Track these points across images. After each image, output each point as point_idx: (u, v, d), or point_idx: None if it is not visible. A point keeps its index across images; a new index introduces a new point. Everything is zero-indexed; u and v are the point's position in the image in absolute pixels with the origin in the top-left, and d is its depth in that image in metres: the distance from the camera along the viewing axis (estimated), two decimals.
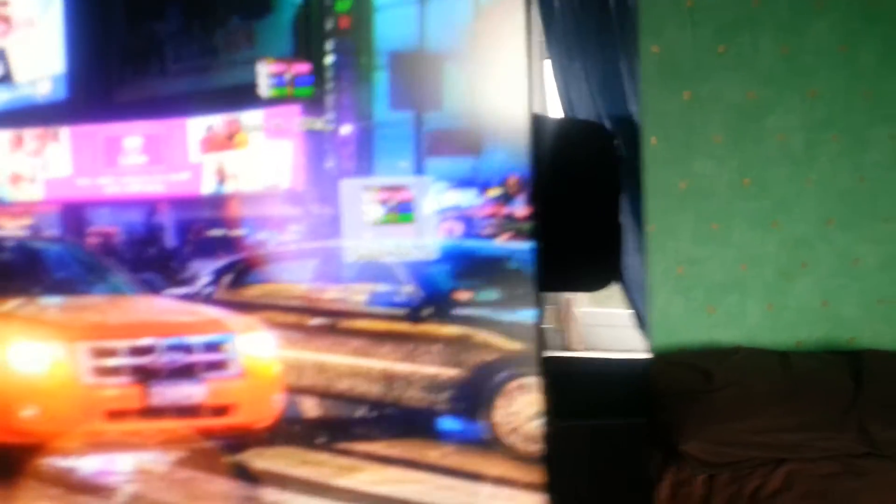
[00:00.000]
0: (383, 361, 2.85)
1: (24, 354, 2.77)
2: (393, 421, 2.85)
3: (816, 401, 3.70)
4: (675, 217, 3.90)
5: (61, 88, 2.73)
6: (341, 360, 2.89)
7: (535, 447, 2.79)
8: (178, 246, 2.81)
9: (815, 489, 3.28)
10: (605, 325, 4.35)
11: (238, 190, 2.75)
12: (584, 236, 2.63)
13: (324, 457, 2.86)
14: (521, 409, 2.83)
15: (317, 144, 2.68)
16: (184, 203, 2.79)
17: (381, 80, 2.65)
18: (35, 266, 2.92)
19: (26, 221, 2.82)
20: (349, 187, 2.67)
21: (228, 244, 2.78)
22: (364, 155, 2.69)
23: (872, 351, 4.01)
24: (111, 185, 2.78)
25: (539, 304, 2.71)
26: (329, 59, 2.63)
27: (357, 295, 2.82)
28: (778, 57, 4.04)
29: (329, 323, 2.87)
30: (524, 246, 2.71)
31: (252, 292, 2.88)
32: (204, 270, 2.83)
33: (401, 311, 2.82)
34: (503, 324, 2.79)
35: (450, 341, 2.81)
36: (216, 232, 2.79)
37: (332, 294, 2.83)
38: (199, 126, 2.72)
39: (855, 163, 4.10)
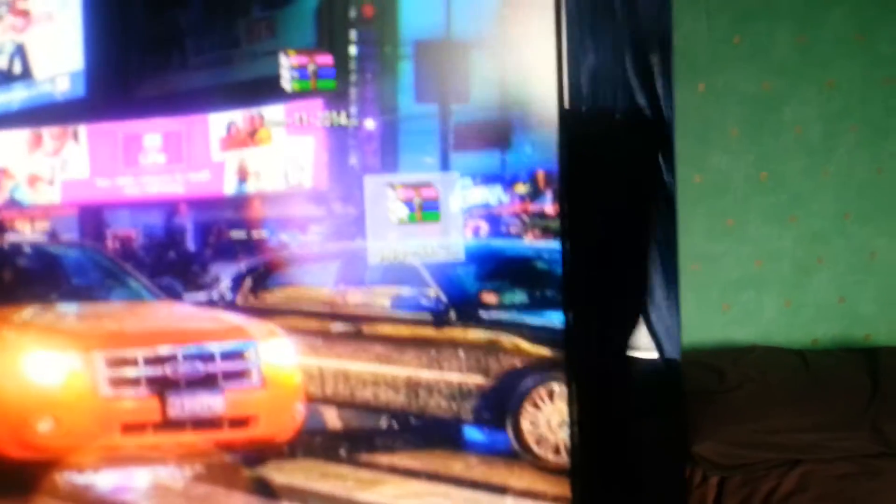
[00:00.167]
0: (407, 368, 2.60)
1: (39, 365, 2.53)
2: (416, 431, 2.58)
3: (832, 400, 3.49)
4: (690, 212, 3.59)
5: (80, 85, 2.54)
6: (364, 368, 2.65)
7: (564, 458, 2.54)
8: (199, 249, 2.60)
9: (830, 490, 3.07)
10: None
11: (260, 189, 2.54)
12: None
13: (345, 469, 2.59)
14: (550, 417, 2.58)
15: (340, 140, 2.46)
16: (204, 204, 2.57)
17: (406, 71, 2.45)
18: (52, 272, 2.69)
19: (44, 225, 2.63)
20: (373, 185, 2.45)
21: (250, 247, 2.55)
22: (388, 150, 2.46)
23: (889, 348, 3.81)
24: (130, 186, 2.56)
25: (569, 306, 2.47)
26: (352, 50, 2.44)
27: (380, 298, 2.59)
28: (794, 47, 3.79)
29: (352, 328, 2.63)
30: (553, 245, 2.48)
31: (273, 297, 2.64)
32: (225, 274, 2.62)
33: (425, 315, 2.58)
34: (531, 327, 2.54)
35: (476, 346, 2.55)
36: (237, 234, 2.58)
37: (355, 298, 2.59)
38: (220, 122, 2.53)
39: (873, 154, 3.85)
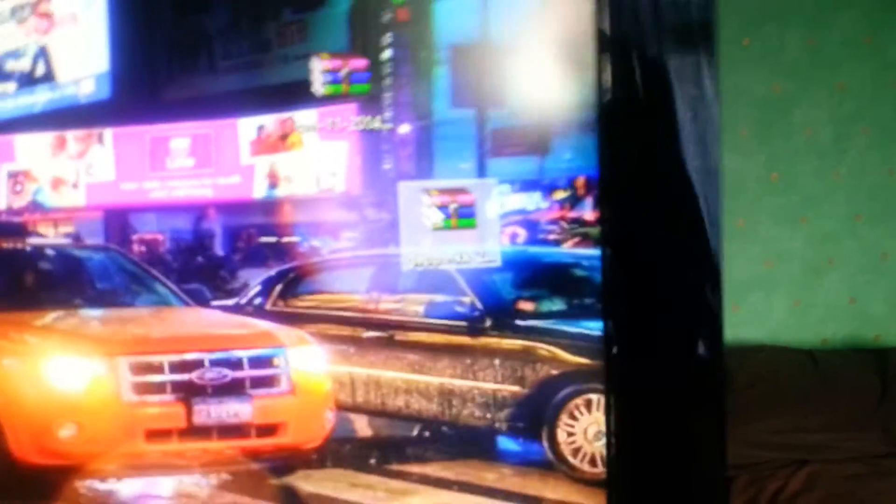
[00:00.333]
0: (440, 377, 2.47)
1: (62, 370, 2.37)
2: (448, 441, 2.45)
3: (841, 401, 3.41)
4: None
5: (105, 87, 2.38)
6: (396, 375, 2.51)
7: (600, 469, 2.41)
8: (228, 254, 2.46)
9: (837, 491, 3.00)
10: None
11: (291, 194, 2.39)
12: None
13: (375, 479, 2.45)
14: (586, 428, 2.45)
15: (373, 145, 2.30)
16: (233, 208, 2.43)
17: (442, 75, 2.29)
18: (76, 276, 2.55)
19: (68, 229, 2.48)
20: (407, 190, 2.29)
21: (280, 252, 2.41)
22: (423, 156, 2.31)
23: None
24: (157, 190, 2.42)
25: (609, 314, 2.33)
26: (386, 54, 2.27)
27: (414, 306, 2.44)
28: (804, 49, 3.67)
29: (384, 336, 2.49)
30: (592, 252, 2.34)
31: (304, 303, 2.51)
32: (254, 280, 2.48)
33: (460, 323, 2.44)
34: (569, 336, 2.40)
35: (511, 355, 2.41)
36: (267, 239, 2.44)
37: (388, 305, 2.46)
38: (249, 126, 2.37)
39: (884, 156, 3.74)
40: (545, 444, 2.36)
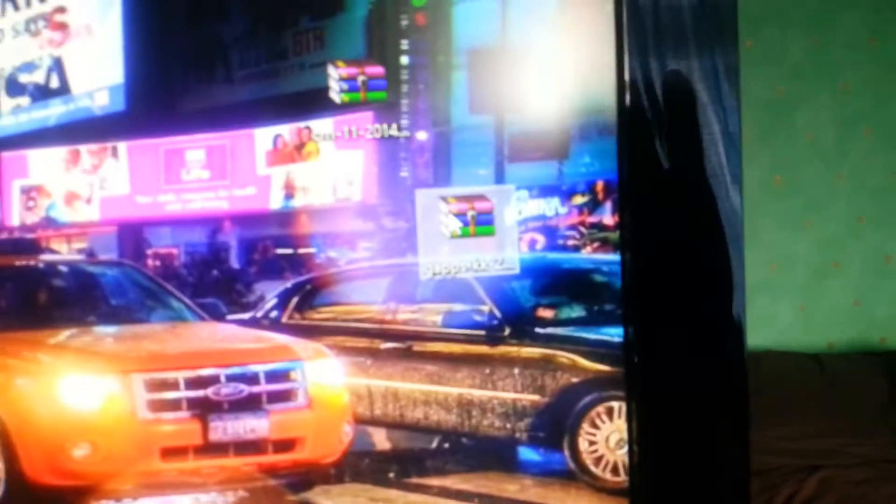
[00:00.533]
0: (459, 387, 2.32)
1: (76, 388, 2.21)
2: (468, 452, 2.29)
3: (850, 405, 3.34)
4: None
5: (119, 99, 2.26)
6: (414, 387, 2.37)
7: (623, 478, 2.27)
8: (243, 267, 2.32)
9: (849, 496, 2.89)
10: None
11: (308, 204, 2.26)
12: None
13: (394, 493, 2.29)
14: (609, 436, 2.31)
15: (390, 153, 2.18)
16: (249, 220, 2.30)
17: (460, 81, 2.18)
18: (90, 292, 2.41)
19: (81, 244, 2.35)
20: (425, 198, 2.17)
21: (296, 264, 2.27)
22: (441, 163, 2.18)
23: None
24: (172, 203, 2.28)
25: (630, 320, 2.20)
26: (404, 60, 2.16)
27: (432, 315, 2.30)
28: (807, 51, 3.58)
29: (402, 347, 2.35)
30: (612, 257, 2.21)
31: (320, 315, 2.36)
32: (270, 293, 2.34)
33: (479, 332, 2.30)
34: (589, 343, 2.27)
35: (531, 363, 2.26)
36: (283, 250, 2.31)
37: (406, 315, 2.32)
38: (266, 136, 2.25)
39: (888, 158, 3.64)
40: (567, 453, 2.21)
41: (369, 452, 2.26)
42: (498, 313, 2.18)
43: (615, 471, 2.18)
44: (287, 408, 2.19)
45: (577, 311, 2.18)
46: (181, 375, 2.14)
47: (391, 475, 2.24)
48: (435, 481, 2.25)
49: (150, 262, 2.18)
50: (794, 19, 3.51)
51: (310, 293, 2.23)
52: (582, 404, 2.18)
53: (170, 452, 2.12)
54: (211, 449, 2.13)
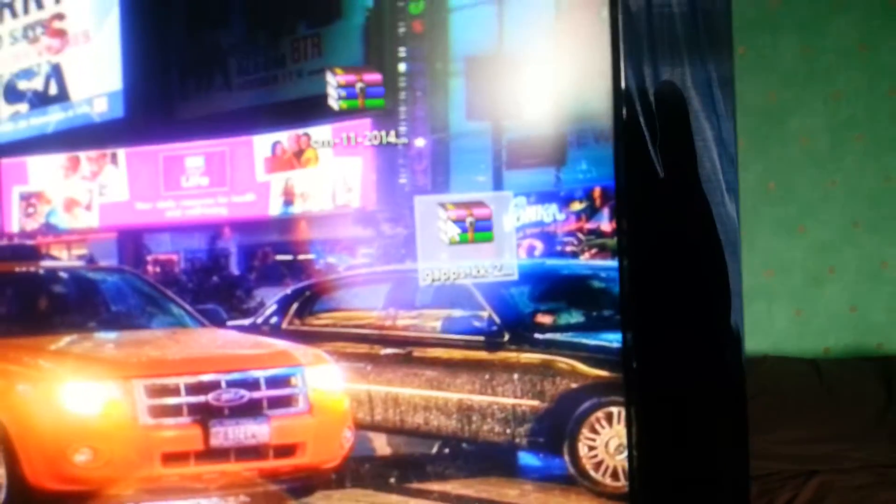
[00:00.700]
0: (459, 393, 2.31)
1: (77, 394, 2.19)
2: (468, 457, 2.28)
3: (847, 410, 3.32)
4: None
5: (118, 106, 2.24)
6: (414, 393, 2.34)
7: (622, 483, 2.25)
8: (243, 273, 2.30)
9: (848, 501, 2.85)
10: None
11: (307, 211, 2.24)
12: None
13: (395, 498, 2.27)
14: (608, 441, 2.28)
15: (389, 159, 2.16)
16: (249, 226, 2.28)
17: (457, 88, 2.15)
18: (90, 299, 2.39)
19: (81, 251, 2.32)
20: (424, 205, 2.15)
21: (296, 270, 2.26)
22: (439, 170, 2.16)
23: None
24: (171, 210, 2.27)
25: (628, 326, 2.17)
26: (402, 67, 2.14)
27: (431, 321, 2.28)
28: (799, 57, 3.57)
29: (401, 352, 2.33)
30: (610, 263, 2.19)
31: (320, 321, 2.34)
32: (270, 299, 2.32)
33: (478, 338, 2.28)
34: (588, 348, 2.24)
35: (530, 369, 2.24)
36: (283, 257, 2.28)
37: (405, 321, 2.30)
38: (264, 143, 2.23)
39: (881, 164, 3.62)
40: (566, 458, 2.20)
41: (370, 457, 2.25)
42: (497, 319, 2.16)
43: (615, 476, 2.18)
44: (288, 413, 2.17)
45: (575, 317, 2.16)
46: (182, 381, 2.13)
47: (392, 480, 2.24)
48: (435, 486, 2.24)
49: (150, 268, 2.16)
50: (786, 26, 3.50)
51: (309, 299, 2.21)
52: (581, 410, 2.16)
53: (171, 458, 2.11)
54: (212, 454, 2.12)
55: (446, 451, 2.23)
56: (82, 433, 2.10)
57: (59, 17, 2.13)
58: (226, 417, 2.12)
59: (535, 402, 2.17)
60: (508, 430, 2.18)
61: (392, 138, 2.03)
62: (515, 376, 2.16)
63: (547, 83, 2.01)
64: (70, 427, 2.11)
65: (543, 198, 2.07)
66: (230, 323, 2.20)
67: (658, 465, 2.17)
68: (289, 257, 2.14)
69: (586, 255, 2.10)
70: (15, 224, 2.19)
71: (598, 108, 1.98)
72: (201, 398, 2.12)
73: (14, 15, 2.17)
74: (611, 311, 2.10)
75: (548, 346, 2.16)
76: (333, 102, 2.02)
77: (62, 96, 2.15)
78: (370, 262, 2.13)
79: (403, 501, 2.22)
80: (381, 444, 2.26)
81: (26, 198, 2.18)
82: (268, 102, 2.12)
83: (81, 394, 2.13)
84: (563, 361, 2.17)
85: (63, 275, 2.26)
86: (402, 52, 2.04)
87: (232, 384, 2.14)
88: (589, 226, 2.07)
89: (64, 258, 2.22)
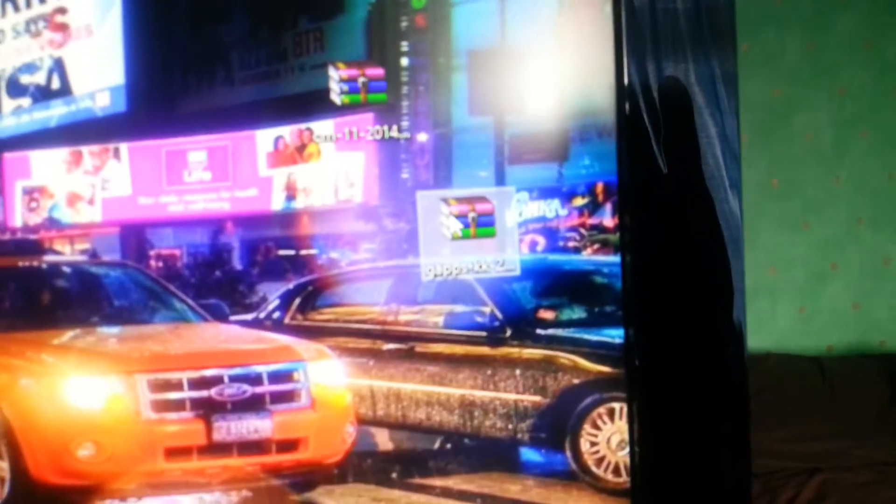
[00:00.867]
0: (461, 388, 2.29)
1: (80, 389, 2.19)
2: (470, 453, 2.27)
3: (850, 408, 3.30)
4: None
5: (121, 100, 2.23)
6: (416, 388, 2.33)
7: (624, 478, 2.24)
8: (246, 268, 2.29)
9: (850, 499, 2.82)
10: None
11: (309, 205, 2.23)
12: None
13: (397, 493, 2.27)
14: (609, 437, 2.27)
15: (391, 154, 2.15)
16: (251, 221, 2.27)
17: (459, 83, 2.14)
18: (93, 293, 2.38)
19: (84, 245, 2.31)
20: (426, 200, 2.13)
21: (298, 265, 2.25)
22: (442, 165, 2.15)
23: None
24: (174, 204, 2.26)
25: (630, 322, 2.15)
26: (404, 62, 2.12)
27: (433, 317, 2.27)
28: (803, 54, 3.55)
29: (404, 348, 2.32)
30: (613, 259, 2.17)
31: (322, 316, 2.33)
32: (272, 294, 2.31)
33: (480, 333, 2.27)
34: (590, 344, 2.23)
35: (532, 364, 2.23)
36: (285, 252, 2.27)
37: (407, 316, 2.29)
38: (267, 138, 2.22)
39: (885, 160, 3.60)
40: (568, 454, 2.19)
41: (372, 453, 2.25)
42: (499, 315, 2.15)
43: (616, 471, 2.18)
44: (290, 408, 2.18)
45: (577, 313, 2.15)
46: (185, 376, 2.13)
47: (394, 475, 2.24)
48: (437, 482, 2.24)
49: (152, 263, 2.16)
50: (791, 22, 3.48)
51: (312, 294, 2.21)
52: (583, 405, 2.16)
53: (173, 452, 2.11)
54: (214, 449, 2.12)
55: (448, 446, 2.23)
56: (85, 428, 2.11)
57: (62, 11, 2.13)
58: (228, 412, 2.11)
59: (537, 398, 2.16)
60: (510, 426, 2.17)
61: (394, 133, 2.02)
62: (517, 372, 2.15)
63: (550, 78, 2.00)
64: (73, 421, 2.11)
65: (546, 193, 2.06)
66: (232, 318, 2.18)
67: (659, 461, 2.15)
68: (291, 252, 2.13)
69: (588, 250, 2.09)
70: (18, 218, 2.18)
71: (601, 104, 1.97)
72: (204, 393, 2.11)
73: (17, 9, 2.17)
74: (613, 306, 2.08)
75: (550, 342, 2.15)
76: (336, 97, 2.01)
77: (65, 91, 2.14)
78: (372, 258, 2.12)
79: (405, 496, 2.22)
80: (384, 440, 2.26)
81: (29, 192, 2.17)
82: (270, 97, 2.11)
83: (84, 388, 2.12)
84: (566, 357, 2.15)
85: (66, 269, 2.26)
86: (404, 46, 2.03)
87: (234, 379, 2.14)
88: (591, 221, 2.06)
89: (67, 253, 2.21)
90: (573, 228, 2.08)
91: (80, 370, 2.14)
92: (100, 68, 2.14)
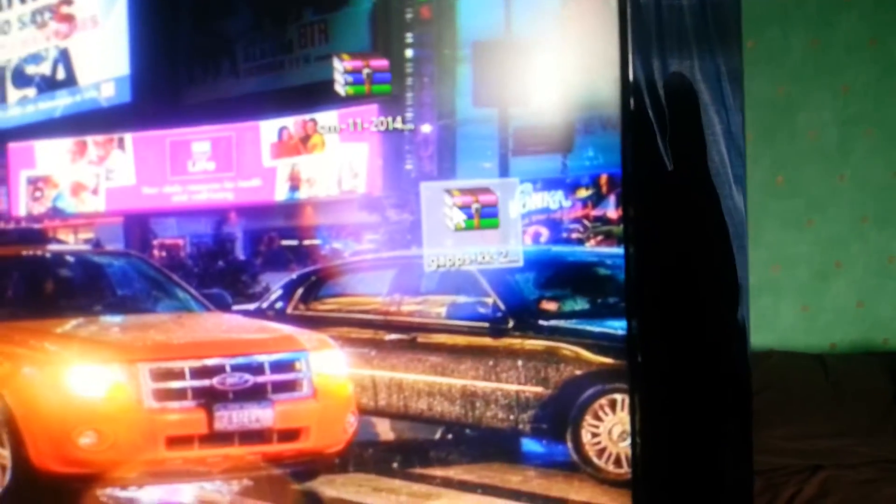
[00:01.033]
0: (463, 379, 2.31)
1: (82, 377, 2.20)
2: (472, 443, 2.28)
3: (853, 405, 3.30)
4: None
5: (125, 91, 2.24)
6: (418, 378, 2.35)
7: (625, 470, 2.25)
8: (249, 258, 2.30)
9: (852, 496, 2.84)
10: None
11: (313, 196, 2.24)
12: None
13: (398, 483, 2.29)
14: (611, 428, 2.29)
15: (395, 145, 2.16)
16: (255, 212, 2.28)
17: (464, 74, 2.15)
18: (96, 282, 2.40)
19: (88, 235, 2.33)
20: (430, 191, 2.15)
21: (301, 255, 2.27)
22: (445, 156, 2.17)
23: None
24: (178, 195, 2.27)
25: (633, 313, 2.17)
26: (408, 53, 2.14)
27: (436, 307, 2.29)
28: (808, 51, 3.54)
29: (406, 338, 2.33)
30: (616, 250, 2.19)
31: (325, 306, 2.35)
32: (275, 284, 2.32)
33: (483, 324, 2.28)
34: (593, 335, 2.25)
35: (535, 356, 2.25)
36: (289, 242, 2.28)
37: (410, 307, 2.30)
38: (271, 128, 2.23)
39: (889, 158, 3.60)
40: (570, 445, 2.20)
41: (373, 442, 2.26)
42: (502, 305, 2.16)
43: (618, 463, 2.19)
44: (292, 398, 2.19)
45: (580, 304, 2.16)
46: (187, 365, 2.14)
47: (395, 465, 2.25)
48: (438, 472, 2.25)
49: (156, 252, 2.17)
50: (796, 20, 3.48)
51: (315, 284, 2.22)
52: (585, 396, 2.17)
53: (175, 441, 2.12)
54: (216, 438, 2.13)
55: (449, 436, 2.24)
56: (87, 416, 2.12)
57: (67, 2, 2.14)
58: (230, 401, 2.13)
59: (539, 389, 2.18)
60: (512, 417, 2.19)
61: (398, 124, 2.03)
62: (520, 363, 2.16)
63: (554, 70, 2.01)
64: (75, 410, 2.12)
65: (550, 184, 2.07)
66: (235, 307, 2.20)
67: (661, 453, 2.17)
68: (294, 242, 2.14)
69: (592, 242, 2.10)
70: (22, 208, 2.20)
71: (606, 96, 1.98)
72: (206, 382, 2.12)
73: (23, 0, 2.17)
74: (616, 298, 2.10)
75: (552, 333, 2.16)
76: (340, 88, 2.02)
77: (70, 81, 2.15)
78: (376, 248, 2.13)
79: (406, 486, 2.23)
80: (385, 430, 2.27)
81: (34, 182, 2.18)
82: (274, 88, 2.12)
83: (87, 377, 2.14)
84: (568, 348, 2.17)
85: (69, 259, 2.27)
86: (408, 37, 2.04)
87: (236, 368, 2.15)
88: (595, 213, 2.07)
89: (70, 242, 2.22)
90: (577, 220, 2.09)
91: (82, 359, 2.16)
92: (105, 59, 2.15)
